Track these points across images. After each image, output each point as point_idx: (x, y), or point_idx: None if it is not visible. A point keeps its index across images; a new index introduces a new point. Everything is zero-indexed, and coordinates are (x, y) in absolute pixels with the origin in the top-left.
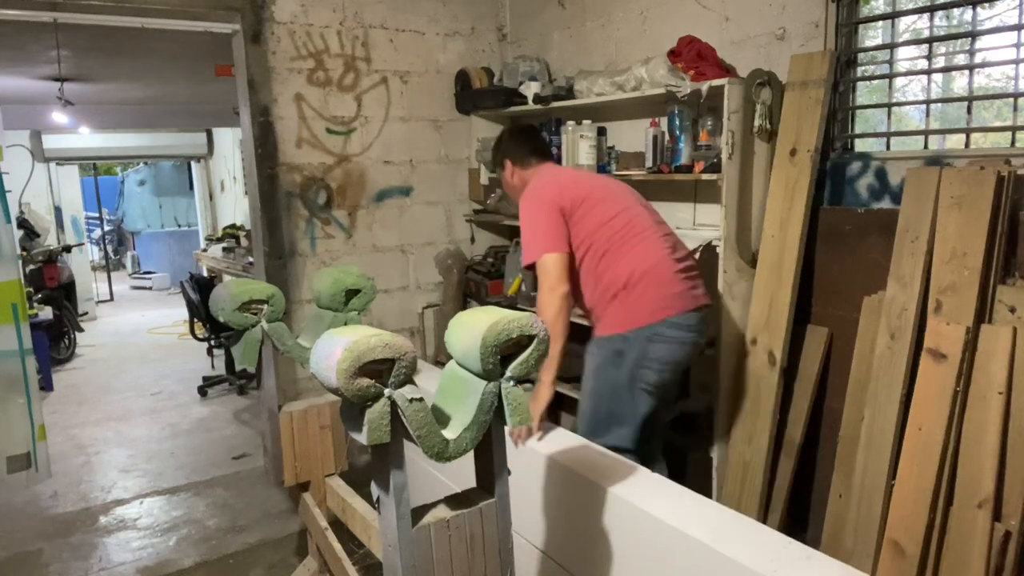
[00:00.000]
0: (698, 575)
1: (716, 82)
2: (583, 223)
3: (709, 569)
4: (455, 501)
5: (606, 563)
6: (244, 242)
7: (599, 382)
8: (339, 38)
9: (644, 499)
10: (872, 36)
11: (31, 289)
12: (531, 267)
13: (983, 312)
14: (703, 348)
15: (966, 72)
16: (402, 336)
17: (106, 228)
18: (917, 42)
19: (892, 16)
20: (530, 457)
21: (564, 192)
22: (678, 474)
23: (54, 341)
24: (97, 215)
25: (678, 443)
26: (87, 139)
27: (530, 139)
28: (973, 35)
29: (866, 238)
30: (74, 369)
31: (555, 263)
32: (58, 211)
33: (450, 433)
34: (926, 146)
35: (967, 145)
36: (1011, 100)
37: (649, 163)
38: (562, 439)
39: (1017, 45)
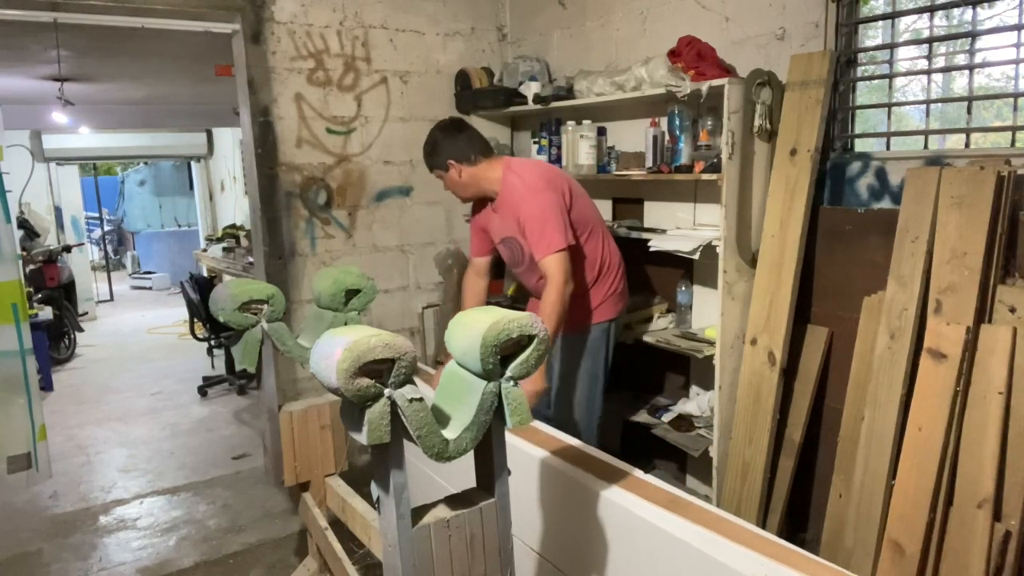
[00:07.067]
0: None
1: (716, 82)
2: (573, 214)
3: (699, 572)
4: (455, 501)
5: (599, 565)
6: (244, 242)
7: (596, 364)
8: (339, 38)
9: (635, 502)
10: (872, 36)
11: (31, 289)
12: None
13: (983, 312)
14: None
15: (966, 72)
16: (402, 336)
17: (106, 228)
18: (917, 42)
19: (892, 16)
20: (524, 459)
21: (562, 183)
22: (679, 474)
23: (54, 341)
24: (97, 215)
25: (678, 443)
26: (87, 139)
27: (474, 135)
28: (973, 35)
29: (866, 238)
30: (74, 369)
31: (567, 259)
32: (58, 211)
33: (450, 433)
34: (926, 146)
35: (967, 145)
36: (1011, 100)
37: (649, 163)
38: (555, 441)
39: (1017, 45)
